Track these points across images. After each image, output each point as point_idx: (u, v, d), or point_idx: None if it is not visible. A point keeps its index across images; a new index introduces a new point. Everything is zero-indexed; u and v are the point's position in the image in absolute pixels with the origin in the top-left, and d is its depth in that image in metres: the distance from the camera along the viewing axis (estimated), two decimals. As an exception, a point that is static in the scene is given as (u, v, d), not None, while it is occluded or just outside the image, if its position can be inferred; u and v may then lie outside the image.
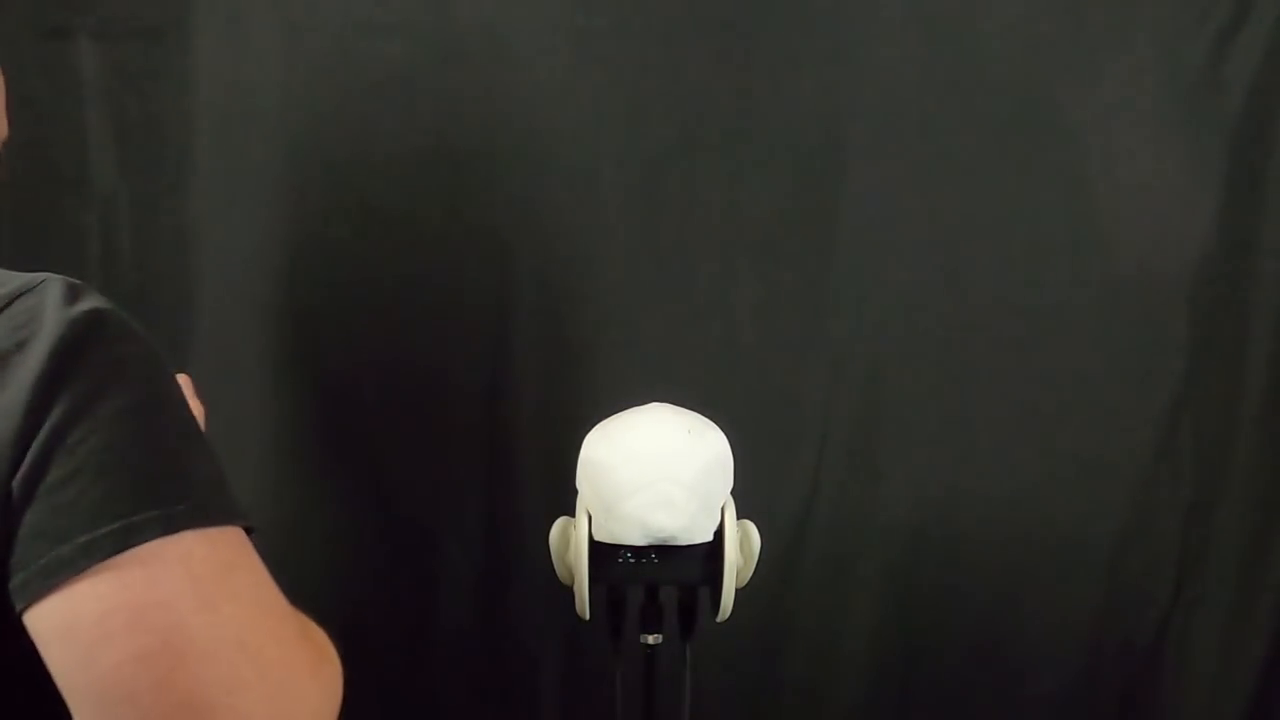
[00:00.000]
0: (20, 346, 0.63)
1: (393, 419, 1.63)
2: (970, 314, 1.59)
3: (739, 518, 1.02)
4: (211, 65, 1.61)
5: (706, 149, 1.60)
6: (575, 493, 1.02)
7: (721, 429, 1.08)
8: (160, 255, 1.64)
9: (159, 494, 0.60)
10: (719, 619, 1.01)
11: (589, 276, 1.63)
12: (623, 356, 1.62)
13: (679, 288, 1.62)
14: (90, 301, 0.68)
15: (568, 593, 1.03)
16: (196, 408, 0.88)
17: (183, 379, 0.85)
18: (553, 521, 1.08)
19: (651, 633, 1.05)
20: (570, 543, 1.00)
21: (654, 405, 1.09)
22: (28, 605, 0.57)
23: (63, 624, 0.57)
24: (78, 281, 0.70)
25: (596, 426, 1.05)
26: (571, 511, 1.03)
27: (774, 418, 1.63)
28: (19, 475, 0.58)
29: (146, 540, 0.58)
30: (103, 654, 0.56)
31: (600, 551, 0.98)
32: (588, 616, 1.00)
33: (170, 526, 0.59)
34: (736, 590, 1.00)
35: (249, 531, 0.65)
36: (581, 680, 1.67)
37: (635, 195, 1.61)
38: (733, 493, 1.04)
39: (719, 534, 0.99)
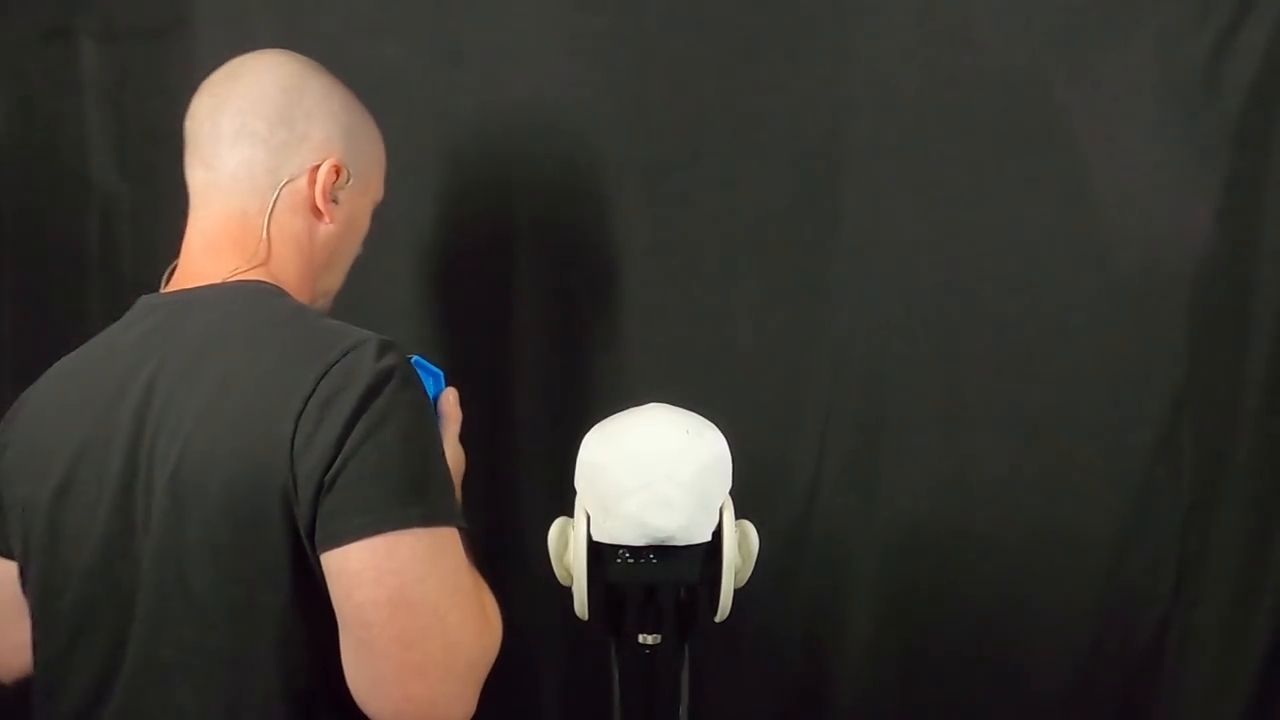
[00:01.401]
0: (343, 390, 0.95)
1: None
2: (970, 314, 1.59)
3: (738, 518, 1.02)
4: (211, 65, 1.61)
5: (706, 149, 1.60)
6: (574, 493, 1.02)
7: (721, 429, 1.08)
8: (160, 255, 1.64)
9: (404, 498, 0.93)
10: (717, 619, 1.01)
11: (589, 276, 1.63)
12: (622, 356, 1.62)
13: (679, 288, 1.62)
14: (390, 359, 1.00)
15: (567, 593, 1.03)
16: (457, 416, 1.13)
17: (450, 392, 1.14)
18: (552, 522, 1.08)
19: (650, 633, 1.05)
20: (569, 543, 1.00)
21: (652, 405, 1.09)
22: (321, 552, 0.92)
23: (337, 569, 0.92)
24: (388, 340, 1.02)
25: (595, 427, 1.05)
26: (571, 512, 1.03)
27: (774, 418, 1.63)
28: (329, 473, 0.92)
29: (391, 530, 0.92)
30: (356, 592, 0.91)
31: (599, 552, 0.98)
32: (587, 617, 1.00)
33: (406, 523, 0.92)
34: (735, 590, 1.00)
35: (461, 530, 0.97)
36: (581, 680, 1.67)
37: (635, 195, 1.61)
38: (731, 493, 1.04)
39: (717, 534, 0.99)
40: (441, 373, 1.15)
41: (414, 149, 1.62)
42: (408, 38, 1.60)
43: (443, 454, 1.00)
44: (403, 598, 0.91)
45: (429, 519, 0.94)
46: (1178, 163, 1.55)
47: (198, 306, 1.09)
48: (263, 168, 1.10)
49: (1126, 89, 1.54)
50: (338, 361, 0.97)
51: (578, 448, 1.07)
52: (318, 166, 1.11)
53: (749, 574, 1.03)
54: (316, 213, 1.13)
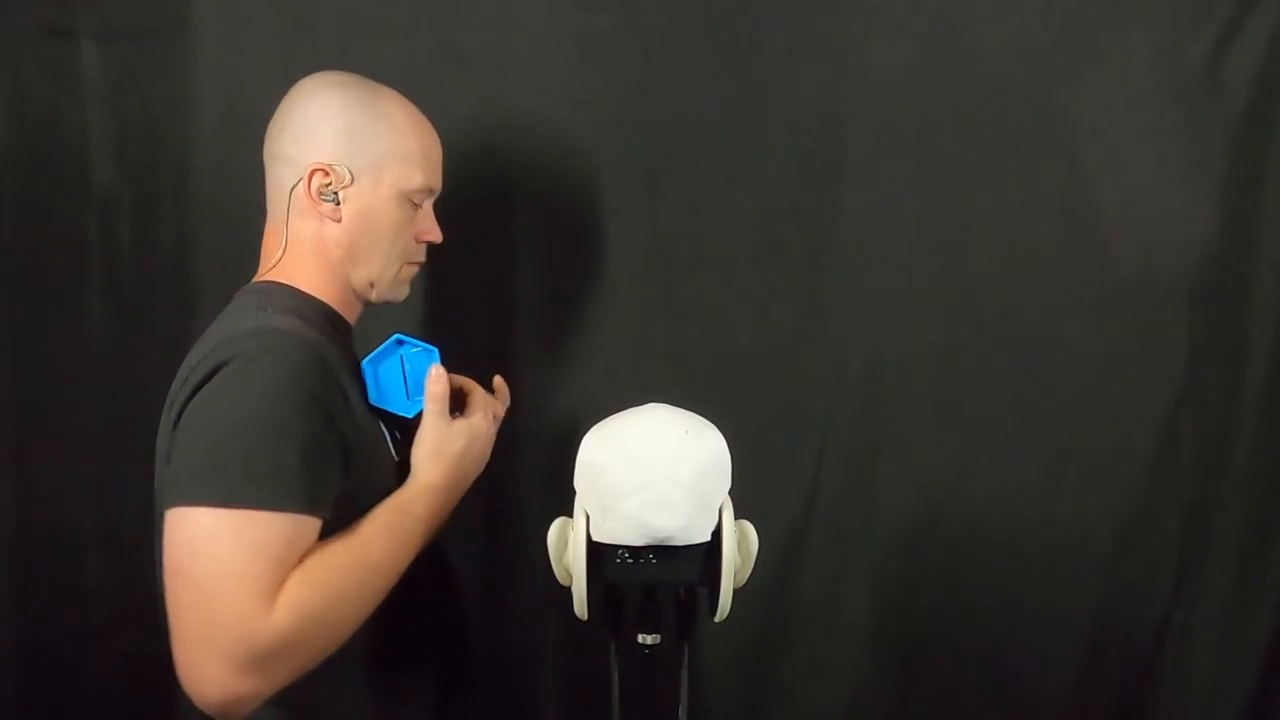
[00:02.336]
0: (188, 378, 1.10)
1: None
2: (970, 314, 1.59)
3: (737, 518, 1.01)
4: (211, 65, 1.62)
5: (706, 149, 1.60)
6: (574, 493, 1.02)
7: (720, 429, 1.08)
8: (160, 255, 1.64)
9: (198, 477, 1.02)
10: (717, 619, 1.01)
11: (589, 276, 1.63)
12: (622, 356, 1.62)
13: (679, 288, 1.62)
14: (241, 347, 1.09)
15: (566, 593, 1.03)
16: (435, 394, 1.19)
17: (433, 370, 1.21)
18: (551, 522, 1.08)
19: (650, 633, 1.05)
20: (568, 543, 1.00)
21: (652, 405, 1.09)
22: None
23: (163, 529, 1.04)
24: (266, 329, 1.12)
25: (595, 427, 1.05)
26: (570, 512, 1.03)
27: (774, 418, 1.63)
28: (169, 449, 1.08)
29: (180, 504, 1.02)
30: (165, 551, 1.03)
31: (598, 552, 0.98)
32: (586, 617, 1.00)
33: (193, 499, 1.01)
34: (735, 590, 1.00)
35: (304, 515, 1.03)
36: (580, 680, 1.67)
37: (635, 195, 1.61)
38: (731, 493, 1.04)
39: (717, 534, 0.99)
40: (435, 349, 1.24)
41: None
42: (408, 38, 1.60)
43: (287, 438, 1.03)
44: (177, 569, 1.01)
45: (223, 499, 1.00)
46: (1178, 163, 1.55)
47: (229, 306, 1.24)
48: (280, 181, 1.23)
49: (1126, 89, 1.54)
50: (210, 351, 1.09)
51: (577, 448, 1.06)
52: (313, 172, 1.22)
53: (749, 574, 1.03)
54: (323, 215, 1.22)
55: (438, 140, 1.31)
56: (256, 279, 1.25)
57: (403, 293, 1.31)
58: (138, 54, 1.62)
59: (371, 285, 1.26)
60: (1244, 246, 1.56)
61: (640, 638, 1.04)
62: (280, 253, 1.24)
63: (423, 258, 1.32)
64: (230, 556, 0.99)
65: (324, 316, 1.22)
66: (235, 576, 0.99)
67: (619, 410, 1.12)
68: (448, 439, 1.18)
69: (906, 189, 1.59)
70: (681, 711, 1.06)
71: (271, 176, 1.25)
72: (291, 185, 1.21)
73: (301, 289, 1.23)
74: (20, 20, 1.61)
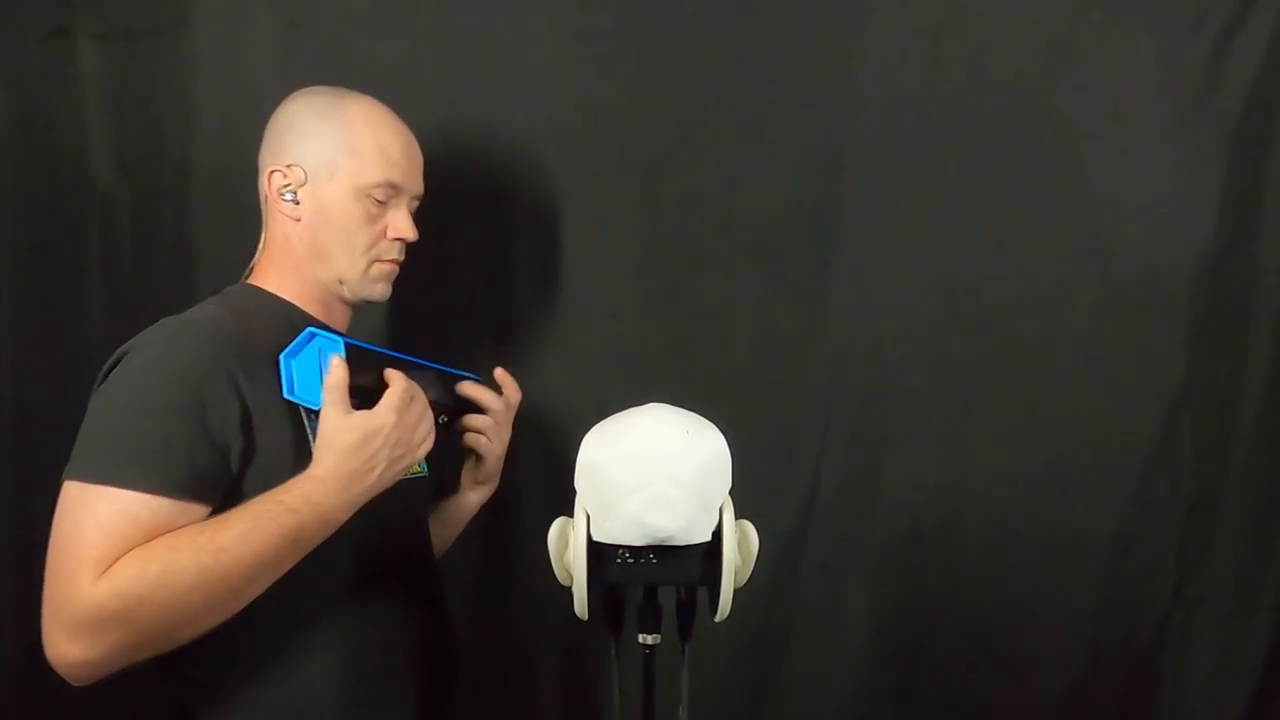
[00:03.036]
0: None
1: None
2: (970, 314, 1.59)
3: (738, 518, 1.01)
4: (211, 65, 1.62)
5: (706, 149, 1.60)
6: (574, 493, 1.02)
7: (721, 429, 1.08)
8: (160, 255, 1.64)
9: (75, 454, 1.10)
10: (717, 619, 1.01)
11: (588, 276, 1.63)
12: (622, 356, 1.62)
13: (679, 287, 1.62)
14: (139, 340, 1.17)
15: (566, 593, 1.03)
16: (331, 384, 1.15)
17: (332, 362, 1.17)
18: (551, 522, 1.08)
19: (650, 633, 1.04)
20: (569, 543, 1.00)
21: (652, 405, 1.09)
22: None
23: None
24: (164, 321, 1.20)
25: (595, 427, 1.05)
26: (570, 512, 1.02)
27: (774, 418, 1.63)
28: None
29: (64, 478, 1.09)
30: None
31: (599, 552, 0.98)
32: (586, 617, 1.00)
33: (68, 474, 1.09)
34: (735, 590, 1.00)
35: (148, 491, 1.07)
36: (581, 680, 1.67)
37: (635, 195, 1.61)
38: (731, 493, 1.04)
39: (717, 534, 0.99)
40: (339, 339, 1.21)
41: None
42: (408, 38, 1.60)
43: (139, 417, 1.09)
44: (49, 537, 1.09)
45: (86, 475, 1.07)
46: (1178, 163, 1.55)
47: None
48: (259, 191, 1.32)
49: (1126, 89, 1.55)
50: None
51: (577, 447, 1.06)
52: (271, 174, 1.29)
53: (749, 574, 1.03)
54: (286, 215, 1.28)
55: (406, 140, 1.32)
56: (244, 280, 1.32)
57: (378, 291, 1.32)
58: (138, 54, 1.62)
59: (341, 282, 1.29)
60: (1244, 246, 1.56)
61: (640, 638, 1.04)
62: (258, 257, 1.31)
63: (396, 255, 1.32)
64: (77, 527, 1.06)
65: (283, 316, 1.27)
66: (75, 545, 1.05)
67: (619, 410, 1.12)
68: (340, 430, 1.13)
69: (906, 189, 1.59)
70: (681, 711, 1.06)
71: (259, 189, 1.32)
72: (262, 189, 1.30)
73: (270, 290, 1.29)
74: (20, 20, 1.61)
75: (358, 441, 1.13)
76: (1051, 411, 1.60)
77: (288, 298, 1.29)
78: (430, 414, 1.23)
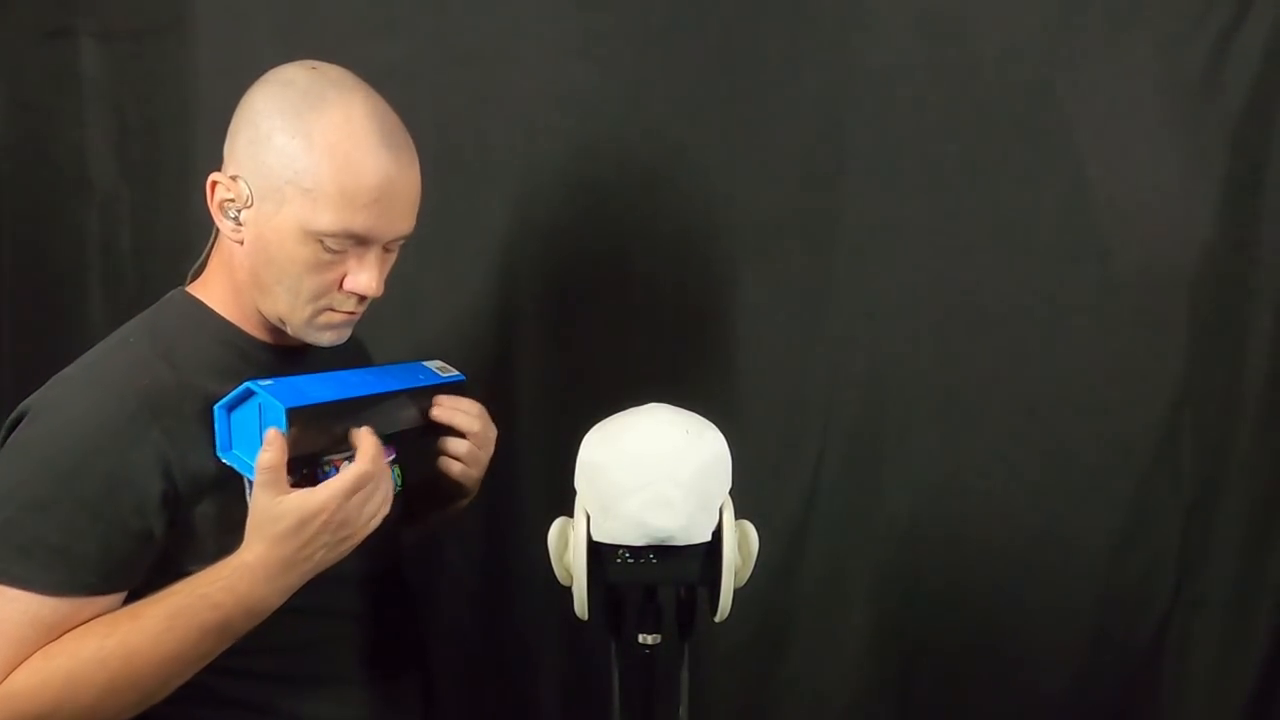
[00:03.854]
0: None
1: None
2: (970, 313, 1.59)
3: (738, 518, 1.01)
4: (211, 65, 1.62)
5: (706, 149, 1.60)
6: (574, 493, 1.02)
7: (720, 429, 1.08)
8: (160, 255, 1.64)
9: None
10: (717, 619, 1.01)
11: (589, 276, 1.63)
12: (622, 356, 1.62)
13: (679, 287, 1.62)
14: (23, 409, 1.05)
15: (566, 593, 1.03)
16: (263, 463, 0.98)
17: (267, 436, 0.99)
18: (551, 522, 1.08)
19: (650, 633, 1.04)
20: (569, 543, 1.00)
21: (652, 405, 1.09)
22: None
23: None
24: (50, 383, 1.06)
25: (595, 427, 1.05)
26: (570, 512, 1.02)
27: (774, 418, 1.63)
28: None
29: None
30: None
31: (599, 552, 0.98)
32: (587, 617, 1.00)
33: None
34: (735, 590, 1.00)
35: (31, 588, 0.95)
36: (581, 680, 1.67)
37: (635, 195, 1.61)
38: (731, 493, 1.04)
39: (717, 534, 0.99)
40: (280, 406, 1.00)
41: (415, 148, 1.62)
42: (408, 38, 1.60)
43: (53, 501, 0.96)
44: None
45: None
46: (1178, 163, 1.55)
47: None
48: None
49: (1126, 89, 1.54)
50: (33, 394, 1.07)
51: (577, 448, 1.06)
52: (213, 183, 1.08)
53: (749, 574, 1.03)
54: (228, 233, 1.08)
55: (386, 174, 1.05)
56: (187, 286, 1.14)
57: (326, 339, 1.11)
58: (138, 54, 1.62)
59: (283, 321, 1.09)
60: (1244, 246, 1.56)
61: (640, 638, 1.04)
62: (203, 258, 1.13)
63: (353, 307, 1.10)
64: None
65: (226, 344, 1.10)
66: None
67: (619, 410, 1.12)
68: (271, 516, 0.98)
69: (906, 189, 1.59)
70: (682, 711, 1.06)
71: None
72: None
73: (213, 306, 1.11)
74: (20, 20, 1.61)
75: (291, 528, 0.98)
76: (1051, 411, 1.59)
77: (231, 319, 1.11)
78: (387, 484, 1.06)
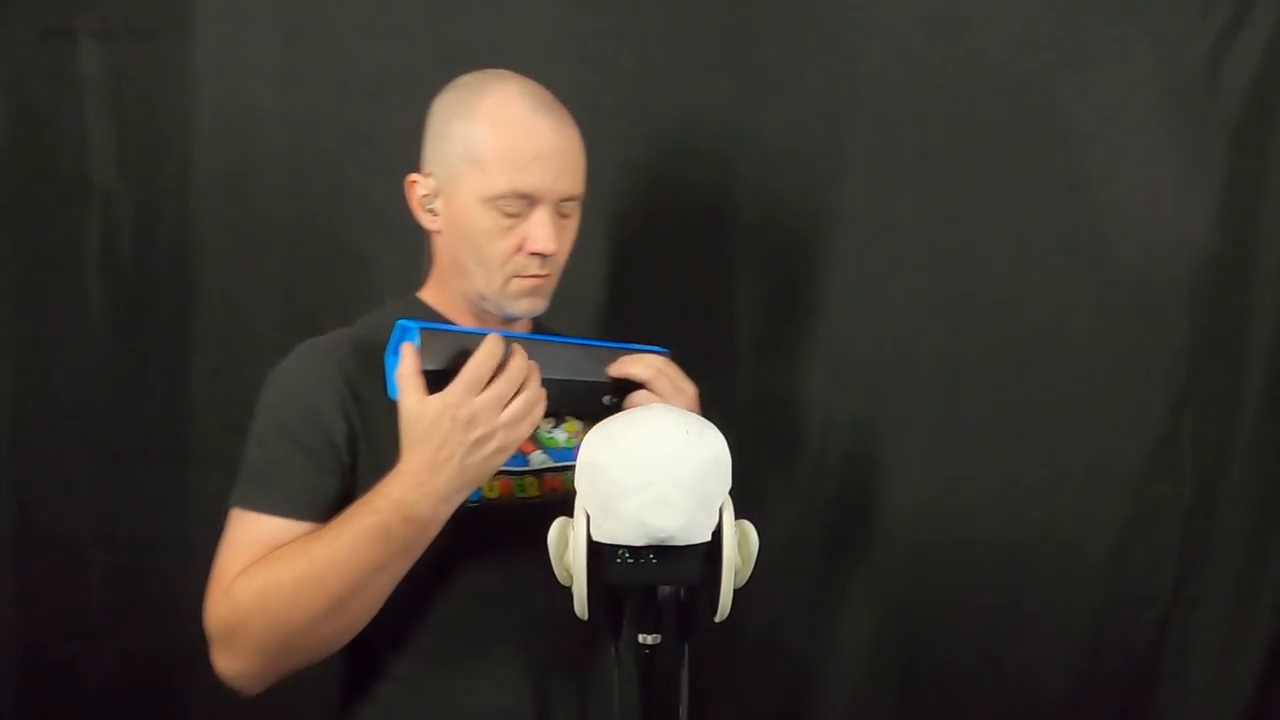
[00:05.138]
0: None
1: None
2: (970, 314, 1.59)
3: (737, 518, 1.01)
4: (211, 65, 1.62)
5: (706, 149, 1.60)
6: (573, 493, 1.02)
7: (720, 429, 1.08)
8: (160, 255, 1.64)
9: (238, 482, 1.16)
10: (717, 619, 1.01)
11: (588, 276, 1.63)
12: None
13: (679, 287, 1.62)
14: (287, 357, 1.20)
15: (566, 593, 1.03)
16: (403, 371, 1.08)
17: (401, 351, 1.09)
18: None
19: (650, 633, 1.04)
20: (568, 543, 1.00)
21: (652, 405, 1.09)
22: None
23: None
24: (303, 343, 1.21)
25: (595, 426, 1.05)
26: (570, 512, 1.02)
27: (774, 417, 1.63)
28: None
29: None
30: None
31: (598, 552, 0.98)
32: (586, 617, 1.00)
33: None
34: (735, 590, 1.00)
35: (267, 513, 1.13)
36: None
37: (635, 195, 1.61)
38: (731, 493, 1.04)
39: (717, 534, 0.99)
40: (413, 326, 1.11)
41: (414, 149, 1.62)
42: (408, 38, 1.60)
43: (283, 443, 1.14)
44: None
45: (231, 500, 1.15)
46: (1178, 163, 1.55)
47: None
48: None
49: (1126, 89, 1.54)
50: None
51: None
52: (411, 184, 1.24)
53: (749, 574, 1.03)
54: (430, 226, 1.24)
55: (546, 138, 1.18)
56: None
57: (523, 308, 1.22)
58: (138, 54, 1.62)
59: (482, 298, 1.21)
60: (1244, 247, 1.56)
61: (640, 638, 1.04)
62: (426, 264, 1.28)
63: (538, 269, 1.20)
64: (221, 549, 1.13)
65: None
66: (217, 566, 1.12)
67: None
68: (410, 419, 1.07)
69: (906, 189, 1.59)
70: (682, 712, 1.06)
71: None
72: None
73: (427, 301, 1.26)
74: (20, 20, 1.61)
75: (425, 428, 1.06)
76: (1051, 412, 1.59)
77: (440, 309, 1.25)
78: (532, 396, 1.10)
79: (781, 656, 1.67)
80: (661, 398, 1.20)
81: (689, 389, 1.23)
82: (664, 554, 0.98)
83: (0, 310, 1.64)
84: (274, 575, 1.08)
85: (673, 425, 1.00)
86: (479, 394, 1.07)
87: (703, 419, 1.04)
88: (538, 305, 1.23)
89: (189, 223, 1.64)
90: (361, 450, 1.15)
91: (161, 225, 1.64)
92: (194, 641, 1.65)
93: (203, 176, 1.63)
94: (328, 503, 1.12)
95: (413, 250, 1.63)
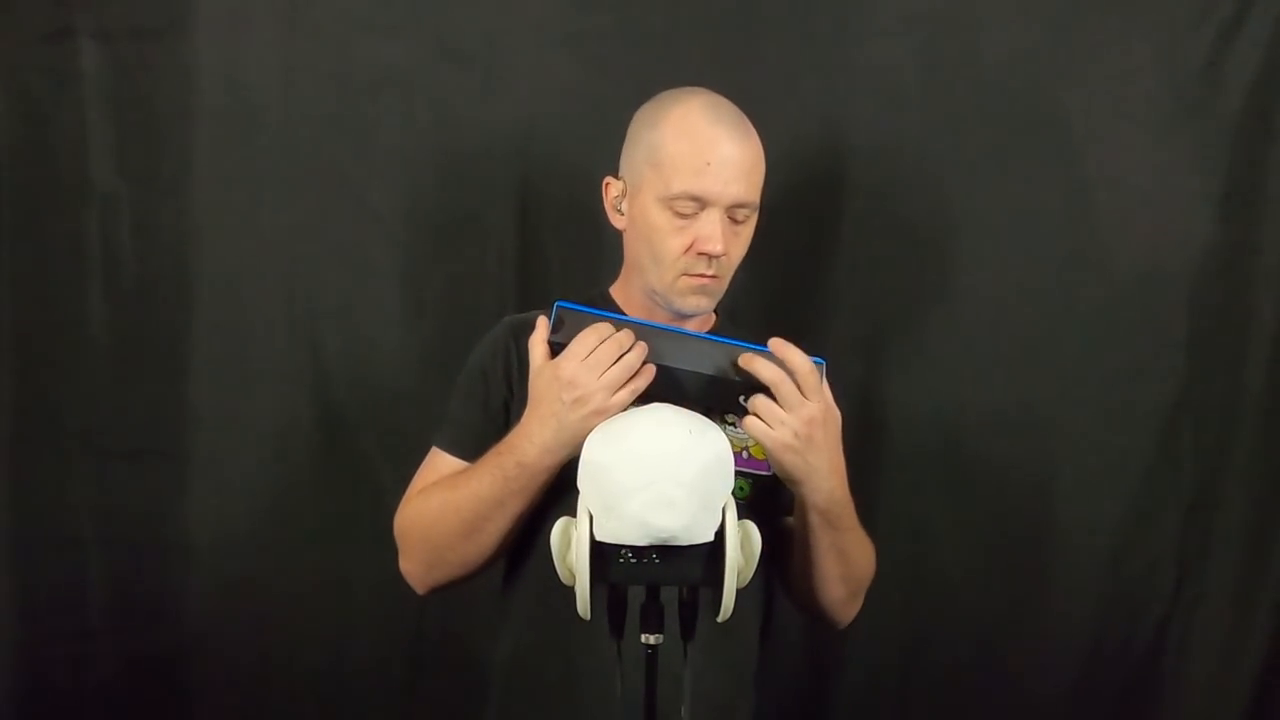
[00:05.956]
0: None
1: (394, 417, 1.64)
2: (970, 313, 1.60)
3: (739, 518, 1.01)
4: (211, 65, 1.61)
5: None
6: (577, 492, 1.02)
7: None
8: (160, 255, 1.64)
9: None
10: (720, 619, 1.01)
11: (588, 276, 1.62)
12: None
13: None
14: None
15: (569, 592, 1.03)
16: (534, 348, 1.20)
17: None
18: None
19: (652, 633, 1.04)
20: (571, 543, 1.00)
21: (655, 405, 1.09)
22: None
23: None
24: (510, 319, 1.37)
25: (598, 426, 1.05)
26: (573, 511, 1.02)
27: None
28: None
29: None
30: None
31: (601, 551, 0.98)
32: (589, 616, 1.00)
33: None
34: (737, 590, 1.00)
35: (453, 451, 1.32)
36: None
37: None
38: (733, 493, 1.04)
39: (720, 534, 0.99)
40: (555, 304, 1.20)
41: (414, 149, 1.62)
42: (408, 38, 1.60)
43: (463, 396, 1.33)
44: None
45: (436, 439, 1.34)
46: (1178, 163, 1.55)
47: None
48: None
49: (1126, 89, 1.55)
50: None
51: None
52: (606, 185, 1.34)
53: (751, 574, 1.03)
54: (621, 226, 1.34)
55: (722, 146, 1.24)
56: None
57: (690, 305, 1.29)
58: (138, 54, 1.62)
59: (656, 293, 1.30)
60: (1244, 247, 1.56)
61: (643, 638, 1.04)
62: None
63: (704, 269, 1.26)
64: (416, 474, 1.34)
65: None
66: (409, 487, 1.33)
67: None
68: (532, 380, 1.20)
69: (907, 189, 1.59)
70: (684, 712, 1.06)
71: None
72: None
73: (613, 296, 1.37)
74: (20, 20, 1.61)
75: (540, 388, 1.19)
76: (1051, 411, 1.60)
77: (620, 301, 1.36)
78: (633, 360, 1.15)
79: (782, 655, 1.66)
80: (781, 404, 1.16)
81: (816, 400, 1.17)
82: (667, 554, 0.98)
83: (0, 310, 1.64)
84: (429, 499, 1.28)
85: (675, 425, 1.00)
86: (581, 360, 1.16)
87: (705, 419, 1.04)
88: (704, 304, 1.31)
89: (189, 223, 1.63)
90: (514, 408, 1.28)
91: (161, 225, 1.64)
92: (194, 641, 1.67)
93: (203, 176, 1.63)
94: (485, 448, 1.25)
95: (410, 247, 1.64)
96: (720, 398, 1.21)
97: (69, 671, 1.66)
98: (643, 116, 1.31)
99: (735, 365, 1.18)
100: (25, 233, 1.63)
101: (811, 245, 1.62)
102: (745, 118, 1.29)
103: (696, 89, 1.30)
